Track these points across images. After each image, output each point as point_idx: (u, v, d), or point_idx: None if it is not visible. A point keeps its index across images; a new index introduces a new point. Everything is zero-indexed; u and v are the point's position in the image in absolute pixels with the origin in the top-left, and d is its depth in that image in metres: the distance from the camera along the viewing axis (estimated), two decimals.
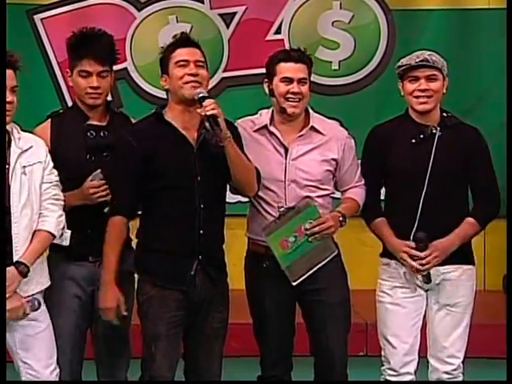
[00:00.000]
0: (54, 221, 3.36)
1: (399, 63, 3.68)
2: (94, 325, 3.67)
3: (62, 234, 3.47)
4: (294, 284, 3.56)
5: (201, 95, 3.33)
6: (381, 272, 3.75)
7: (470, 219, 3.66)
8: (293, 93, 3.56)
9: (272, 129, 3.64)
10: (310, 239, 3.54)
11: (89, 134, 3.60)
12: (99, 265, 3.57)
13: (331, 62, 6.47)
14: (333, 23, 6.47)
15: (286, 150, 3.62)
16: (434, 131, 3.63)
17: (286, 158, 3.61)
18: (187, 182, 3.37)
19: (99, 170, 3.51)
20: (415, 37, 6.31)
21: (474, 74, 6.41)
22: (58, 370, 3.43)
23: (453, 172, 3.64)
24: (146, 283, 3.43)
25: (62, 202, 3.42)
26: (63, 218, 3.41)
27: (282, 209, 3.54)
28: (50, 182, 3.39)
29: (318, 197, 3.63)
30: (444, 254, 3.59)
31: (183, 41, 3.44)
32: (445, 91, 3.68)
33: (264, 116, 3.69)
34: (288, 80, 3.57)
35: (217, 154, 3.39)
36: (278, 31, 6.45)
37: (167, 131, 3.40)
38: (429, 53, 3.64)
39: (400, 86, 3.69)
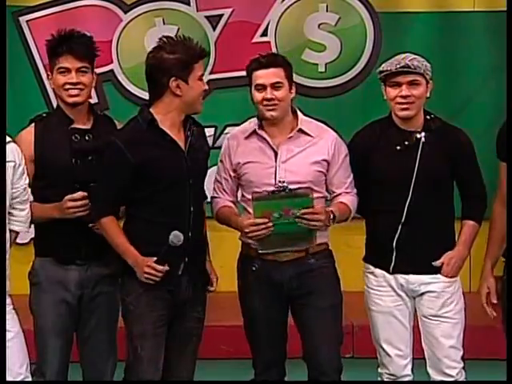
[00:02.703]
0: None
1: (380, 68, 3.65)
2: (80, 328, 3.65)
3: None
4: (260, 252, 3.54)
5: (173, 245, 3.35)
6: (366, 280, 3.74)
7: (469, 222, 3.69)
8: (266, 99, 3.58)
9: (261, 132, 3.65)
10: (296, 220, 3.46)
11: (73, 137, 3.59)
12: (87, 268, 3.58)
13: (318, 65, 6.47)
14: (319, 25, 6.46)
15: (276, 153, 3.62)
16: (419, 137, 3.63)
17: (275, 161, 3.61)
18: (181, 186, 3.41)
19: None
20: (401, 39, 6.32)
21: (459, 77, 6.42)
22: (29, 378, 3.39)
23: (438, 176, 3.64)
24: (132, 282, 3.42)
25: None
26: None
27: (281, 185, 3.51)
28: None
29: None
30: (459, 267, 3.66)
31: (205, 55, 3.47)
32: (429, 95, 3.65)
33: (253, 123, 3.70)
34: (261, 87, 3.59)
35: (202, 158, 3.52)
36: (264, 33, 6.44)
37: (159, 137, 3.41)
38: (411, 57, 3.61)
39: (383, 89, 3.67)
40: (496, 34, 6.26)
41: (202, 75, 3.46)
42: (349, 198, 3.68)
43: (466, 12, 6.45)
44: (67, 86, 3.57)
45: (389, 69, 3.59)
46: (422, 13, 6.45)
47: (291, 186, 3.49)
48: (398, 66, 3.56)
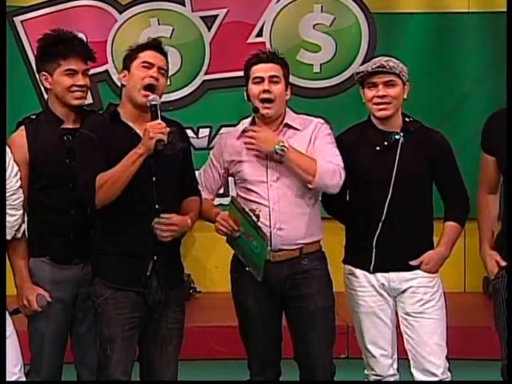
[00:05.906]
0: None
1: (357, 70, 3.70)
2: (75, 327, 3.64)
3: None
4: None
5: (153, 103, 3.37)
6: (347, 282, 3.75)
7: (451, 224, 3.71)
8: (264, 91, 3.57)
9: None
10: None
11: (65, 137, 3.59)
12: (83, 267, 3.57)
13: (313, 65, 6.49)
14: (314, 26, 6.49)
15: None
16: (398, 137, 3.65)
17: (266, 158, 3.61)
18: (142, 182, 3.35)
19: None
20: (396, 40, 6.34)
21: (454, 77, 6.44)
22: (23, 379, 3.40)
23: (417, 176, 3.66)
24: (100, 285, 3.43)
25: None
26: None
27: (254, 213, 3.52)
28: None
29: (303, 196, 3.60)
30: (438, 266, 3.67)
31: (154, 45, 3.52)
32: (406, 96, 3.68)
33: (245, 123, 3.71)
34: (259, 79, 3.59)
35: (173, 155, 3.45)
36: (259, 34, 6.47)
37: (121, 129, 3.42)
38: (386, 58, 3.65)
39: (361, 92, 3.71)
40: (491, 34, 6.29)
41: (147, 63, 3.45)
42: (322, 162, 3.53)
43: (461, 13, 6.48)
44: (74, 88, 3.57)
45: (365, 70, 3.63)
46: (416, 13, 6.48)
47: (260, 224, 3.49)
48: (374, 67, 3.61)
